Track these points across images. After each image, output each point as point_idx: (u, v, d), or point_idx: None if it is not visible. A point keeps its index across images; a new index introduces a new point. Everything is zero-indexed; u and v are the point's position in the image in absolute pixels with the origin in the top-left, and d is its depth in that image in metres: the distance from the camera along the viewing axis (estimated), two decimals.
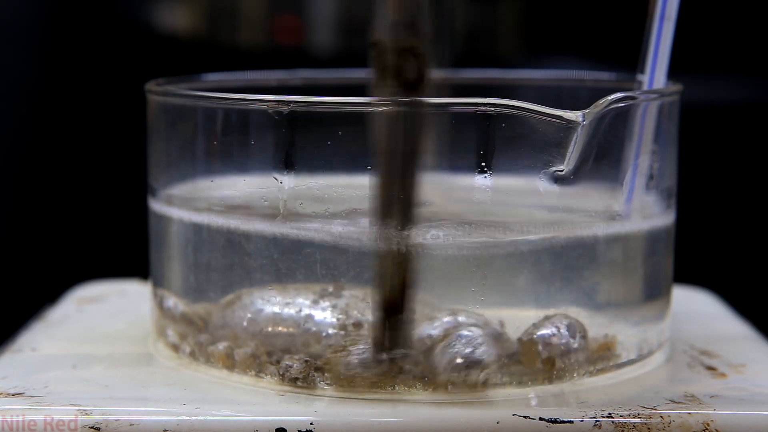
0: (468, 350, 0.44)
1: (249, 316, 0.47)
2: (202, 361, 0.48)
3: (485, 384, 0.44)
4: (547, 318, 0.46)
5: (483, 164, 0.45)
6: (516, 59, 1.27)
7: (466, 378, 0.44)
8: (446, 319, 0.46)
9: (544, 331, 0.46)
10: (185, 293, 0.50)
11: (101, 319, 0.57)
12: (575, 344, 0.46)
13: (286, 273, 0.47)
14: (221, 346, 0.47)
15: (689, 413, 0.44)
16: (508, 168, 0.45)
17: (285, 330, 0.47)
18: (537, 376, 0.46)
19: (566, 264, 0.47)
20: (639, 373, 0.48)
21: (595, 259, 0.47)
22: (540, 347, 0.45)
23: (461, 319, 0.46)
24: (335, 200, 0.46)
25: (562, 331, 0.46)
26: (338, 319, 0.46)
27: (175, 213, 0.50)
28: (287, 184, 0.46)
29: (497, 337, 0.46)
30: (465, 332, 0.45)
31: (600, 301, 0.48)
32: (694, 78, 0.64)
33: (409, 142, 0.44)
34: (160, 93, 0.51)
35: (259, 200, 0.47)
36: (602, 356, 0.48)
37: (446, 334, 0.45)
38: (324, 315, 0.46)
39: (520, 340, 0.46)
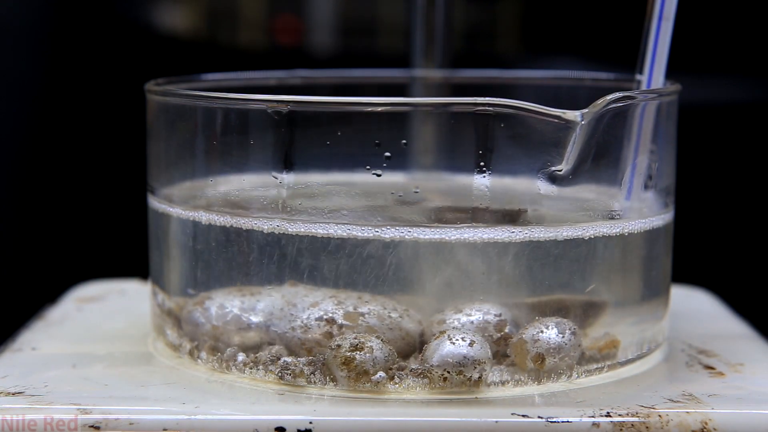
0: (462, 347, 0.44)
1: (245, 313, 0.47)
2: (202, 360, 0.48)
3: (479, 381, 0.44)
4: (537, 319, 0.46)
5: (482, 164, 0.45)
6: (515, 59, 1.27)
7: (459, 374, 0.44)
8: (443, 316, 0.46)
9: (532, 330, 0.46)
10: (183, 292, 0.50)
11: (101, 319, 0.57)
12: (564, 341, 0.46)
13: (283, 271, 0.47)
14: (239, 354, 0.48)
15: (687, 412, 0.44)
16: (506, 167, 0.45)
17: (281, 328, 0.47)
18: (535, 376, 0.46)
19: (565, 263, 0.47)
20: (637, 373, 0.48)
21: (593, 258, 0.47)
22: (529, 346, 0.45)
23: (458, 316, 0.46)
24: (334, 199, 0.46)
25: (550, 329, 0.46)
26: (337, 318, 0.46)
27: (175, 212, 0.50)
28: (286, 183, 0.46)
29: (492, 335, 0.46)
30: (460, 329, 0.45)
31: (598, 301, 0.48)
32: (692, 78, 0.65)
33: None
34: (160, 93, 0.51)
35: (258, 199, 0.47)
36: (604, 355, 0.48)
37: (442, 331, 0.45)
38: (323, 314, 0.46)
39: (511, 340, 0.46)
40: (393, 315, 0.46)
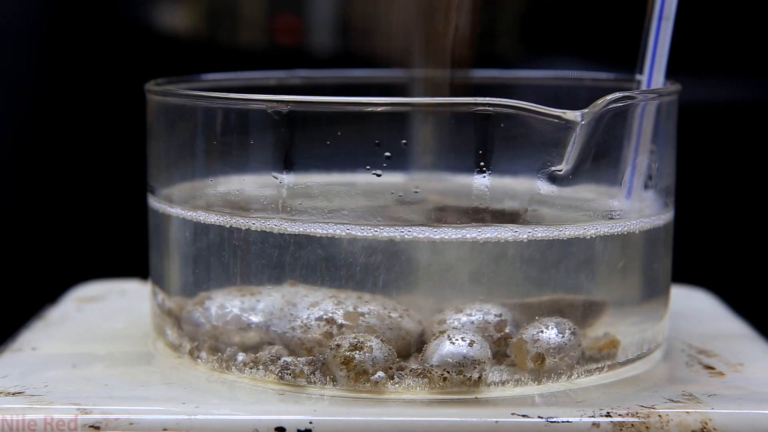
0: (462, 347, 0.44)
1: (245, 313, 0.47)
2: (202, 360, 0.48)
3: (479, 381, 0.44)
4: (537, 319, 0.46)
5: (482, 164, 0.45)
6: (515, 59, 1.27)
7: (459, 374, 0.44)
8: (444, 316, 0.46)
9: (532, 330, 0.46)
10: (183, 292, 0.50)
11: (101, 319, 0.57)
12: (564, 341, 0.46)
13: (283, 271, 0.47)
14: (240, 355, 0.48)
15: (687, 412, 0.44)
16: (506, 167, 0.45)
17: (281, 328, 0.47)
18: (535, 376, 0.46)
19: (565, 263, 0.47)
20: (637, 372, 0.48)
21: (593, 258, 0.47)
22: (529, 346, 0.45)
23: (458, 316, 0.46)
24: (334, 199, 0.46)
25: (550, 328, 0.46)
26: (338, 318, 0.46)
27: (174, 212, 0.50)
28: (286, 183, 0.46)
29: (492, 335, 0.46)
30: (460, 329, 0.45)
31: (599, 301, 0.48)
32: (692, 78, 0.64)
33: None
34: (160, 93, 0.51)
35: (258, 199, 0.47)
36: (604, 355, 0.48)
37: (442, 331, 0.45)
38: (323, 313, 0.46)
39: (511, 340, 0.46)
40: (393, 315, 0.46)
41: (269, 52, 1.32)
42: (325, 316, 0.46)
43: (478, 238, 0.46)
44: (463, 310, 0.46)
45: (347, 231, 0.46)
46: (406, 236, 0.45)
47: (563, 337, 0.46)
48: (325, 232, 0.46)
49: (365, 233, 0.46)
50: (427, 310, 0.47)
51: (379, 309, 0.46)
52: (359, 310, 0.46)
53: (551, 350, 0.45)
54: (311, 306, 0.46)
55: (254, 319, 0.47)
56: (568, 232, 0.46)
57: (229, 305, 0.48)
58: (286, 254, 0.46)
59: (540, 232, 0.46)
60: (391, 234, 0.45)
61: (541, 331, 0.46)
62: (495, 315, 0.46)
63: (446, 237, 0.45)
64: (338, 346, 0.45)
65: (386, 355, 0.45)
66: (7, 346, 0.52)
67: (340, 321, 0.46)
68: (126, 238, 0.95)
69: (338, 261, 0.46)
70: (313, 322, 0.46)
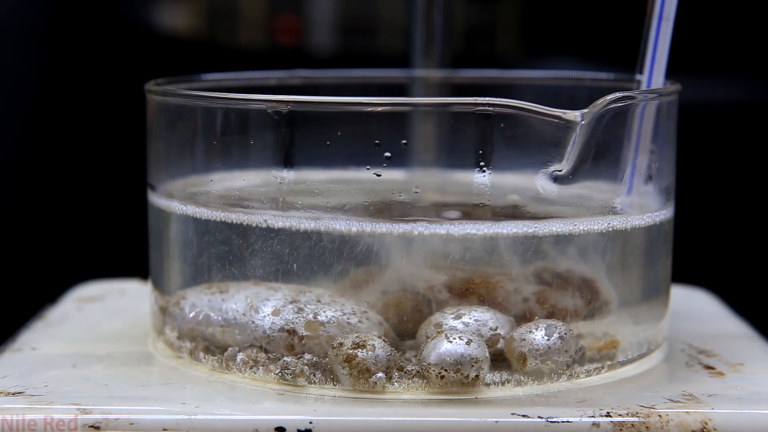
0: (460, 346, 0.44)
1: (242, 310, 0.47)
2: (202, 360, 0.48)
3: (476, 379, 0.44)
4: (536, 318, 0.46)
5: (482, 163, 0.45)
6: (515, 59, 1.27)
7: (457, 372, 0.44)
8: (442, 316, 0.46)
9: (523, 330, 0.46)
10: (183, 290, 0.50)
11: (101, 319, 0.57)
12: (550, 344, 0.45)
13: (281, 270, 0.47)
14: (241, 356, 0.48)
15: (687, 412, 0.44)
16: (506, 167, 0.45)
17: (278, 327, 0.47)
18: (536, 376, 0.46)
19: (565, 262, 0.47)
20: (637, 373, 0.48)
21: (593, 258, 0.47)
22: (516, 344, 0.45)
23: (456, 315, 0.46)
24: (334, 199, 0.46)
25: (538, 330, 0.46)
26: (338, 317, 0.46)
27: (174, 212, 0.50)
28: (286, 183, 0.46)
29: (490, 334, 0.46)
30: (457, 328, 0.45)
31: (598, 300, 0.48)
32: (692, 78, 0.65)
33: None
34: (160, 93, 0.51)
35: (258, 199, 0.47)
36: (604, 355, 0.48)
37: (440, 330, 0.45)
38: (324, 311, 0.46)
39: (504, 338, 0.46)
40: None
41: (269, 52, 1.32)
42: (326, 315, 0.46)
43: (479, 238, 0.46)
44: (462, 309, 0.46)
45: (347, 228, 0.46)
46: (405, 234, 0.45)
47: (549, 339, 0.45)
48: (325, 231, 0.46)
49: (364, 233, 0.46)
50: (426, 309, 0.47)
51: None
52: (349, 321, 0.46)
53: (534, 351, 0.45)
54: (313, 303, 0.46)
55: (255, 318, 0.47)
56: (567, 231, 0.46)
57: (230, 304, 0.48)
58: (286, 253, 0.46)
59: (539, 232, 0.46)
60: (391, 231, 0.45)
61: (530, 332, 0.46)
62: (495, 315, 0.46)
63: (445, 235, 0.45)
64: (341, 344, 0.45)
65: (388, 354, 0.45)
66: (7, 346, 0.52)
67: (341, 320, 0.46)
68: (126, 238, 0.95)
69: (338, 259, 0.46)
70: (312, 321, 0.46)
